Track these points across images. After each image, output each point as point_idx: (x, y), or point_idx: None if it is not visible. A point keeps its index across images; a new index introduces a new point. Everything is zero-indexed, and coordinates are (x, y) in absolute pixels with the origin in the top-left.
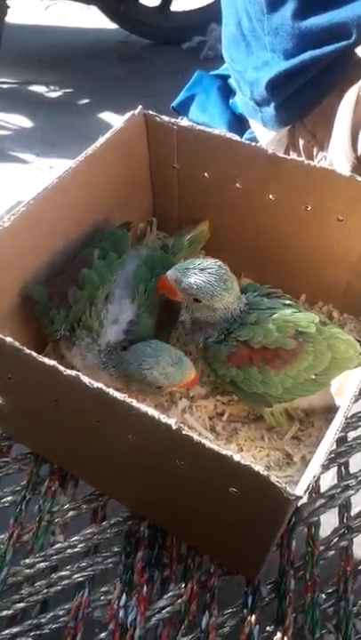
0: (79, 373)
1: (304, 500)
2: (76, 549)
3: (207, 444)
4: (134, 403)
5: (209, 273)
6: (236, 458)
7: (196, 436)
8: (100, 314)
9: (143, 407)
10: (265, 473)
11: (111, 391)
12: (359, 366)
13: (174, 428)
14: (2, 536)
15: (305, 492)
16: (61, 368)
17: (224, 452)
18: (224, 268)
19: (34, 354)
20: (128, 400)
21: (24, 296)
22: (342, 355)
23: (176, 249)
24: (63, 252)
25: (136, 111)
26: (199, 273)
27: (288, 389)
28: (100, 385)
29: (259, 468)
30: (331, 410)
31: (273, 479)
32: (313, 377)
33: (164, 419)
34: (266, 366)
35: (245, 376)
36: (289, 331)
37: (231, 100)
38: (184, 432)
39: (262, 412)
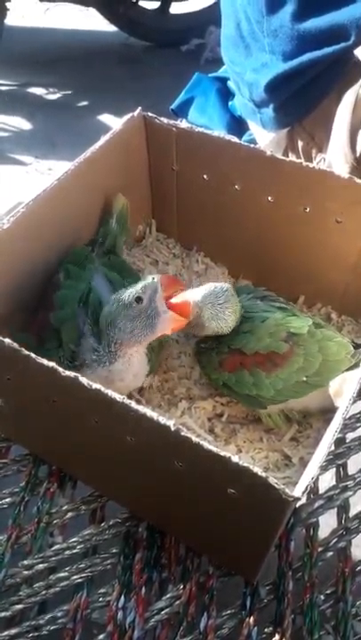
0: (78, 374)
1: (303, 501)
2: (74, 551)
3: (206, 445)
4: (133, 404)
5: (226, 307)
6: (235, 459)
7: (194, 438)
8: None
9: (142, 408)
10: (263, 474)
11: (110, 392)
12: (353, 367)
13: (173, 429)
14: (0, 537)
15: (303, 493)
16: (60, 369)
17: (223, 454)
18: (233, 292)
19: (32, 355)
20: (127, 401)
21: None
22: (334, 357)
23: (113, 241)
24: (62, 253)
25: (135, 113)
26: (220, 308)
27: (280, 391)
28: (98, 386)
29: (257, 469)
30: (328, 411)
31: (271, 480)
32: (304, 379)
33: (162, 420)
34: (257, 369)
35: (237, 379)
36: (281, 334)
37: (230, 103)
38: (183, 433)
39: (259, 413)
